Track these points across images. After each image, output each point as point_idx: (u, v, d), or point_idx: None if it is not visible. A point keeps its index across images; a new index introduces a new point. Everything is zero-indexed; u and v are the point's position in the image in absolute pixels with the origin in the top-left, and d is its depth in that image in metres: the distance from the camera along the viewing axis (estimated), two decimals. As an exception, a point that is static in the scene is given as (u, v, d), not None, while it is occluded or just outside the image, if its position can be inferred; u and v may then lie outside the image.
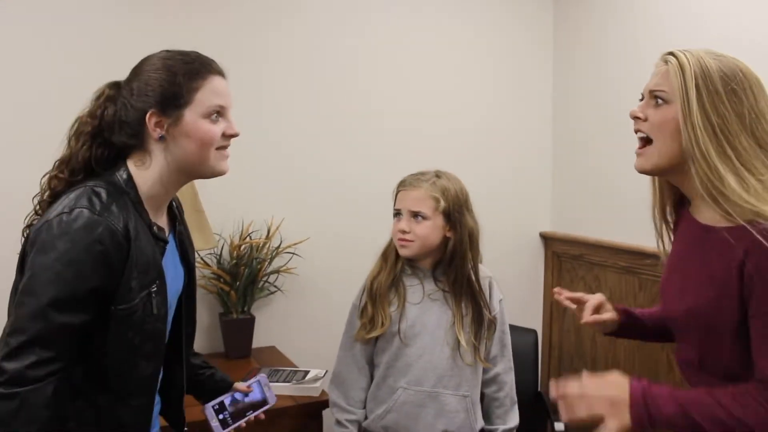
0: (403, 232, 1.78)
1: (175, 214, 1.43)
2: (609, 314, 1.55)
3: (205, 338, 2.47)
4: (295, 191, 2.57)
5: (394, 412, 1.81)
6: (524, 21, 2.98)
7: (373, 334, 1.81)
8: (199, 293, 2.33)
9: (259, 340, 2.50)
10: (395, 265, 1.84)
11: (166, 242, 1.32)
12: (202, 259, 2.37)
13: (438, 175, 1.83)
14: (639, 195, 2.54)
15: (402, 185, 1.83)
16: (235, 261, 2.39)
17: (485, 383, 1.89)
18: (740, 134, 1.20)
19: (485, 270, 1.90)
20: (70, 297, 1.15)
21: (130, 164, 1.28)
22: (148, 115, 1.25)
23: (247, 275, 2.39)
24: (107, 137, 1.28)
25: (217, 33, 2.39)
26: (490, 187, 2.93)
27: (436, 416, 1.80)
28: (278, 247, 2.48)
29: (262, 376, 1.64)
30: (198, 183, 2.17)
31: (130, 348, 1.24)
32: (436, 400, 1.80)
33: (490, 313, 1.85)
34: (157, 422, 1.44)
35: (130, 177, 1.27)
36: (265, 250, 2.44)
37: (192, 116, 1.26)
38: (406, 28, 2.74)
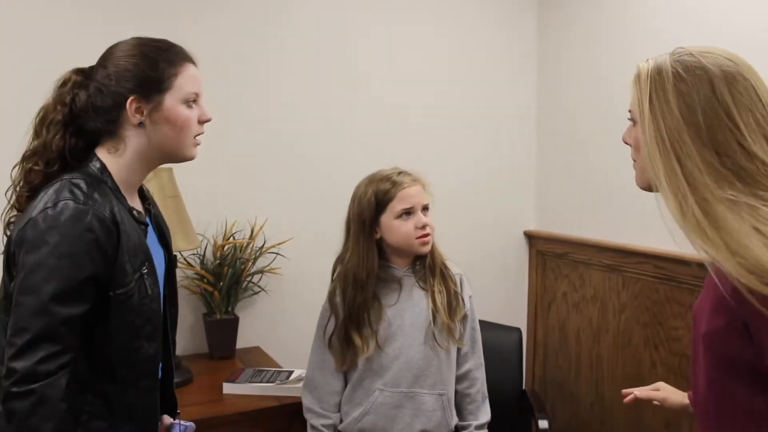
0: (426, 226, 1.79)
1: (146, 197, 1.45)
2: (661, 394, 1.49)
3: (188, 339, 2.46)
4: (279, 192, 2.57)
5: (372, 414, 1.80)
6: (508, 17, 2.98)
7: (365, 356, 1.80)
8: (183, 294, 2.33)
9: (243, 341, 2.49)
10: (374, 280, 1.81)
11: (146, 225, 1.36)
12: (185, 259, 2.36)
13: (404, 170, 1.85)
14: (622, 193, 2.57)
15: (399, 185, 1.79)
16: (218, 261, 2.38)
17: (457, 380, 1.89)
18: (690, 144, 1.08)
19: (455, 267, 1.92)
20: (70, 289, 1.16)
21: (102, 152, 1.30)
22: (129, 101, 1.26)
23: (230, 275, 2.38)
24: (80, 124, 1.29)
25: (205, 35, 2.38)
26: (474, 186, 2.94)
27: (413, 416, 1.80)
28: (262, 247, 2.47)
29: (190, 425, 1.56)
30: (180, 183, 2.16)
31: (132, 331, 1.26)
32: (413, 400, 1.80)
33: (462, 300, 1.87)
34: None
35: (103, 166, 1.28)
36: (248, 251, 2.44)
37: (171, 101, 1.29)
38: (391, 26, 2.73)
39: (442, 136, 2.86)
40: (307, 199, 2.61)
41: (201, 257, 2.40)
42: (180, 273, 2.34)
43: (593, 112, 2.74)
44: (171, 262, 1.49)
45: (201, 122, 1.35)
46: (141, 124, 1.28)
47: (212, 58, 2.41)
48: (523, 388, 2.46)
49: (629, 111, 1.21)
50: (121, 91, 1.27)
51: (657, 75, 1.12)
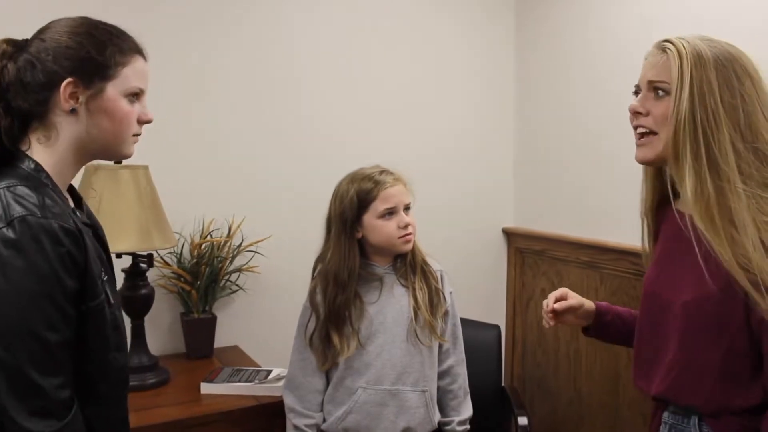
0: (408, 225, 1.79)
1: (77, 197, 1.29)
2: (572, 301, 1.54)
3: (166, 338, 2.43)
4: (257, 189, 2.55)
5: (355, 412, 1.79)
6: (487, 17, 2.98)
7: (346, 355, 1.79)
8: (160, 293, 2.31)
9: (221, 340, 2.47)
10: (355, 279, 1.79)
11: (89, 225, 1.22)
12: (161, 258, 2.33)
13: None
14: (600, 190, 2.59)
15: (381, 185, 1.77)
16: (195, 260, 2.36)
17: (439, 376, 1.89)
18: (723, 129, 1.14)
19: (436, 264, 1.92)
20: (56, 311, 1.05)
21: (33, 143, 1.15)
22: (64, 84, 1.12)
23: (208, 274, 2.36)
24: (8, 101, 1.14)
25: (186, 36, 2.37)
26: (452, 184, 2.94)
27: (397, 414, 1.79)
28: (240, 245, 2.45)
29: None
30: (157, 181, 2.13)
31: (105, 344, 1.16)
32: (396, 397, 1.79)
33: (443, 297, 1.87)
34: None
35: (38, 165, 1.13)
36: (226, 249, 2.41)
37: (114, 92, 1.16)
38: (365, 22, 2.73)
39: (420, 134, 2.86)
40: (286, 197, 2.59)
41: (178, 256, 2.38)
42: (157, 272, 2.32)
43: (570, 110, 2.76)
44: (110, 263, 1.31)
45: (141, 122, 1.22)
46: (73, 111, 1.14)
47: (190, 57, 2.40)
48: (502, 384, 2.46)
49: (663, 82, 1.21)
50: (56, 70, 1.12)
51: (698, 56, 1.17)
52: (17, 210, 1.04)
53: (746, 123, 1.15)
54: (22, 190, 1.07)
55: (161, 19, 2.34)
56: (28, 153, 1.14)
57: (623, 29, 2.48)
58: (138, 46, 1.22)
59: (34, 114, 1.14)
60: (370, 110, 2.75)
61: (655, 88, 1.23)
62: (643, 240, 1.45)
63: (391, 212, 1.78)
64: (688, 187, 1.15)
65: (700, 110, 1.14)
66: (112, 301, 1.18)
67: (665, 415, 1.32)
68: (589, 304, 1.57)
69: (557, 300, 1.53)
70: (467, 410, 1.91)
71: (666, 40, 1.22)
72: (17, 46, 1.16)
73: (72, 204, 1.21)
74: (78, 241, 1.08)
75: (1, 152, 1.13)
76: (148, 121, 1.24)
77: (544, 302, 1.55)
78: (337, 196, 1.82)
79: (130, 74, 1.18)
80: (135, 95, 1.20)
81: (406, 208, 1.81)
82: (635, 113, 1.27)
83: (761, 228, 1.11)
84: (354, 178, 1.82)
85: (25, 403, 1.01)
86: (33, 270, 1.03)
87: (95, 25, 1.18)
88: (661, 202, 1.38)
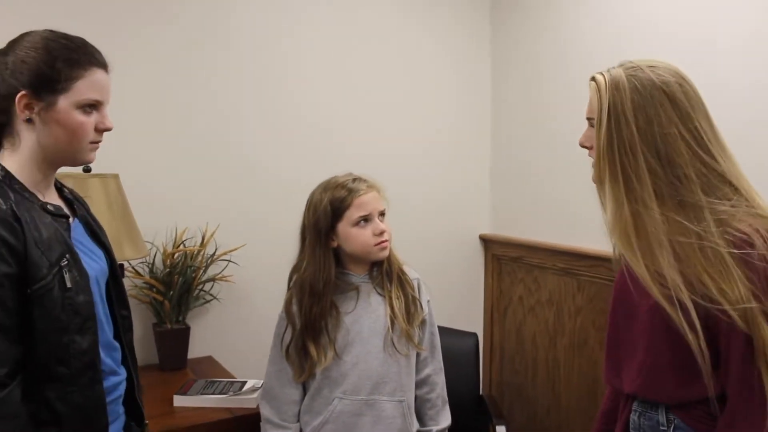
0: (384, 232, 1.77)
1: (70, 200, 1.38)
2: None
3: (138, 350, 2.31)
4: (230, 197, 2.51)
5: (331, 423, 1.76)
6: (463, 27, 2.99)
7: (322, 366, 1.76)
8: (132, 304, 2.23)
9: (194, 351, 2.42)
10: (331, 289, 1.77)
11: (66, 217, 1.30)
12: (133, 268, 2.28)
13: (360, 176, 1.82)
14: (575, 197, 2.59)
15: (355, 192, 1.75)
16: (168, 269, 2.31)
17: (417, 385, 1.87)
18: (639, 155, 1.20)
19: (413, 272, 1.90)
20: None
21: (6, 147, 1.26)
22: (18, 96, 1.21)
23: (181, 284, 2.31)
24: None
25: (151, 44, 2.33)
26: (429, 191, 2.93)
27: (374, 424, 1.77)
28: (213, 254, 2.41)
29: None
30: (128, 189, 2.09)
31: (59, 327, 1.19)
32: (373, 407, 1.77)
33: (420, 305, 1.85)
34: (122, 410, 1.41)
35: (7, 172, 1.23)
36: (199, 258, 2.37)
37: (66, 104, 1.23)
38: (341, 30, 2.71)
39: (397, 140, 2.85)
40: (260, 205, 2.56)
41: (150, 266, 2.33)
42: (128, 282, 2.27)
43: (545, 119, 2.76)
44: (113, 262, 1.42)
45: (99, 130, 1.29)
46: (30, 121, 1.23)
47: (159, 65, 2.36)
48: (480, 393, 2.44)
49: (589, 117, 1.30)
50: (14, 83, 1.21)
51: (615, 87, 1.23)
52: None
53: (663, 147, 1.20)
54: None
55: (134, 26, 2.30)
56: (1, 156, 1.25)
57: (596, 39, 2.50)
58: (96, 58, 1.27)
59: (3, 123, 1.25)
60: (345, 118, 2.73)
61: (590, 121, 1.31)
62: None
63: (365, 219, 1.75)
64: (608, 211, 1.24)
65: (617, 139, 1.21)
66: (68, 285, 1.20)
67: (635, 404, 1.38)
68: None
69: None
70: (446, 419, 1.89)
71: (592, 76, 1.29)
72: None
73: (51, 200, 1.29)
74: (14, 227, 1.15)
75: None
76: (107, 129, 1.29)
77: None
78: (311, 206, 1.79)
79: (83, 87, 1.24)
80: (91, 106, 1.26)
81: (381, 214, 1.79)
82: (583, 147, 1.36)
83: (676, 248, 1.19)
84: (327, 186, 1.79)
85: None
86: None
87: (54, 39, 1.24)
88: None
